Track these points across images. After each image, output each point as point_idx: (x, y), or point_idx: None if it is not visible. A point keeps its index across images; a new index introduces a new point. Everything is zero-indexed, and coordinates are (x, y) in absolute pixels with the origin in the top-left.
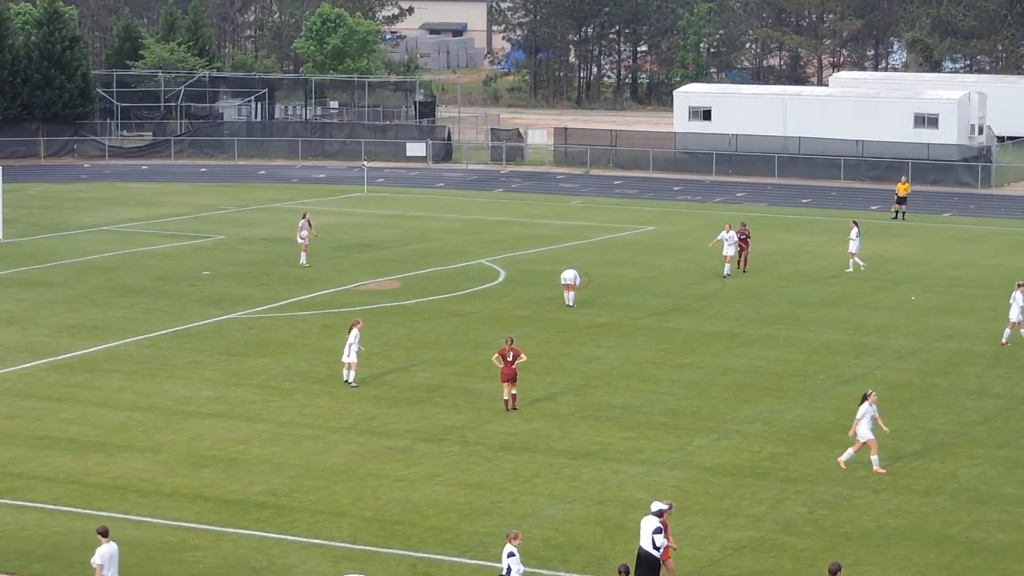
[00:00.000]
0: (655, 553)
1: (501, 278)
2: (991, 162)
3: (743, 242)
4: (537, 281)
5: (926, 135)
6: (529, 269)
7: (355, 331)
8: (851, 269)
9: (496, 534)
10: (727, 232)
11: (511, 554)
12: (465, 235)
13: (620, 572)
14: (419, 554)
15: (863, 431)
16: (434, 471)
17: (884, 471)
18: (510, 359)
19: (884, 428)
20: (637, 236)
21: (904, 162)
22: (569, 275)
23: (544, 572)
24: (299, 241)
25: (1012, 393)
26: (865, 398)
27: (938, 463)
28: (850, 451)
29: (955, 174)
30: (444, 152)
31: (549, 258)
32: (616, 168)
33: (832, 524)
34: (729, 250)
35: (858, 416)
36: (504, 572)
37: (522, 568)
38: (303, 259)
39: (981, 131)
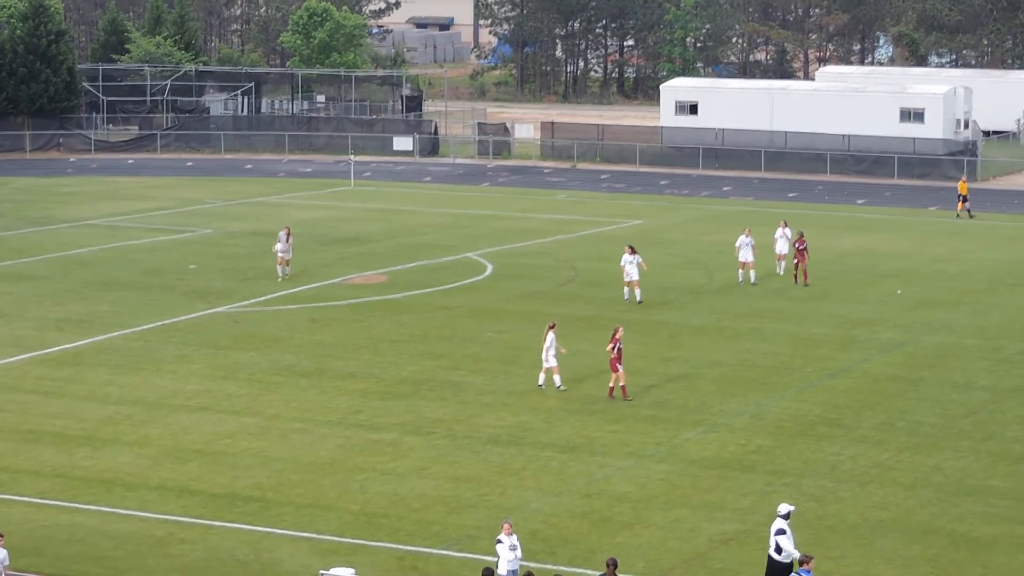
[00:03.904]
0: (776, 556)
1: (488, 272)
2: (976, 156)
3: (800, 253)
4: (524, 275)
5: (912, 129)
6: (516, 263)
7: (551, 334)
8: (782, 272)
9: (483, 527)
10: (746, 236)
11: (499, 541)
12: (452, 229)
13: (608, 565)
14: (406, 547)
15: None
16: (421, 464)
17: None
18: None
19: None
20: (624, 230)
21: (890, 156)
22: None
23: (532, 565)
24: (278, 255)
25: (997, 386)
26: None
27: (924, 456)
28: None
29: (941, 168)
30: (431, 146)
31: (536, 252)
32: (603, 162)
33: (818, 517)
34: (746, 255)
35: None
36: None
37: (514, 556)
38: (280, 272)
39: (967, 125)
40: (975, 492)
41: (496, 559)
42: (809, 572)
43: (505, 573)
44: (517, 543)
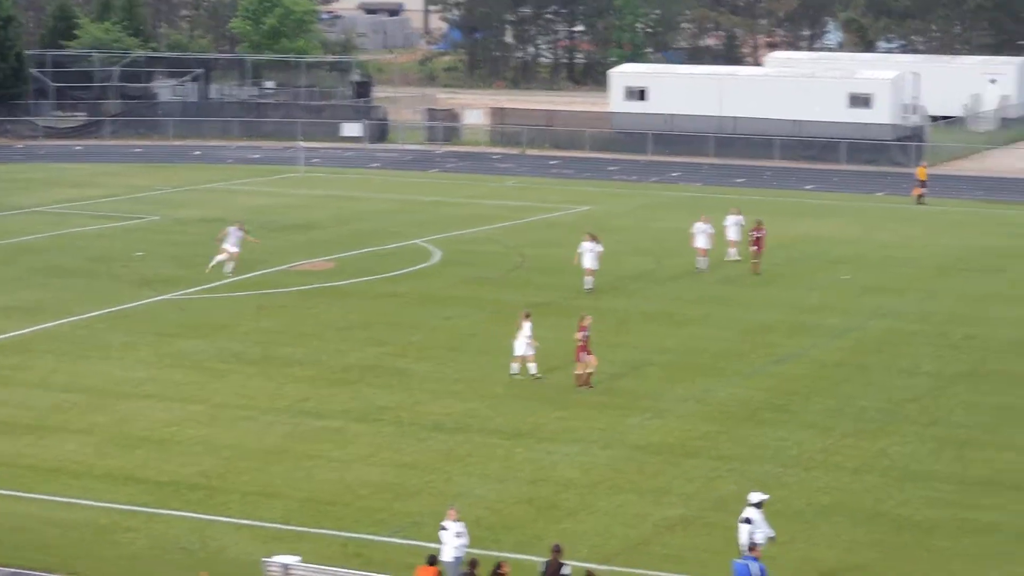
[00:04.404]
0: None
1: (436, 258)
2: (924, 142)
3: (758, 241)
4: (472, 261)
5: (860, 115)
6: (464, 249)
7: (527, 323)
8: (731, 257)
9: (428, 514)
10: (703, 223)
11: (443, 527)
12: (400, 215)
13: (553, 551)
14: (351, 534)
15: None
16: (367, 451)
17: None
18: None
19: None
20: (573, 216)
21: (839, 142)
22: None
23: (477, 551)
24: (231, 250)
25: (942, 372)
26: None
27: (869, 441)
28: None
29: (889, 154)
30: (380, 132)
31: (484, 238)
32: (552, 148)
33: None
34: (703, 242)
35: None
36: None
37: (460, 543)
38: (229, 267)
39: (915, 111)
40: (920, 477)
41: (441, 546)
42: (756, 559)
43: (450, 559)
44: (463, 529)
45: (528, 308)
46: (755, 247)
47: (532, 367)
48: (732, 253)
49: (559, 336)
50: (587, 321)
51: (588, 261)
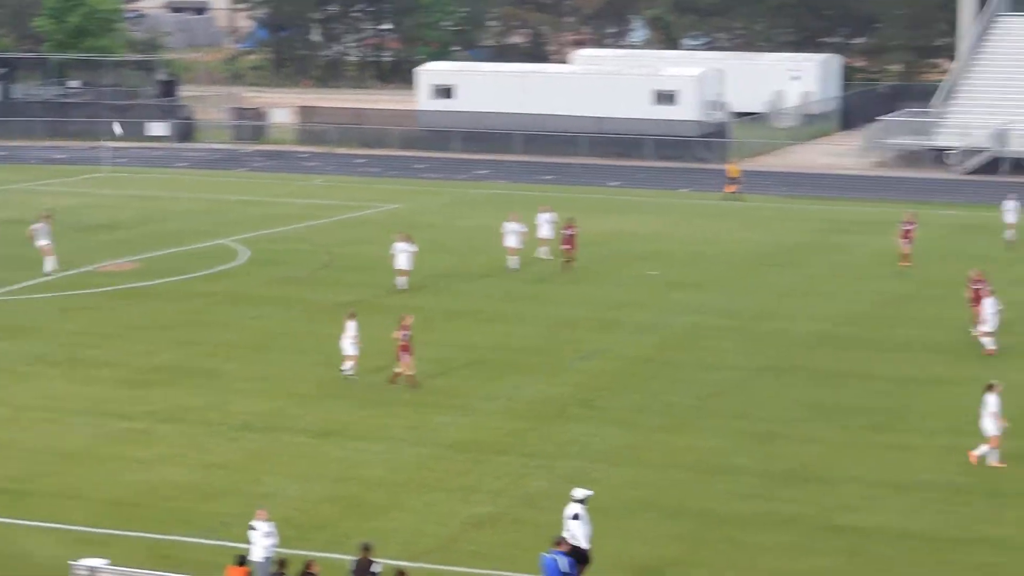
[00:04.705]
0: (572, 542)
1: (244, 258)
2: (728, 138)
3: (570, 239)
4: (280, 260)
5: (665, 111)
6: (272, 248)
7: (353, 323)
8: (543, 256)
9: (237, 514)
10: (512, 222)
11: (252, 528)
12: (208, 215)
13: (361, 550)
14: (158, 536)
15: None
16: (174, 452)
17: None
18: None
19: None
20: (380, 214)
21: (644, 138)
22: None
23: (285, 551)
24: (41, 244)
25: (747, 365)
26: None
27: (676, 436)
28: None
29: (693, 150)
30: (187, 131)
31: (292, 237)
32: (360, 146)
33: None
34: (512, 241)
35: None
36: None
37: (269, 543)
38: (48, 265)
39: (719, 108)
40: (724, 470)
41: (250, 546)
42: (563, 553)
43: (260, 560)
44: (272, 529)
45: (352, 308)
46: (567, 246)
47: (347, 365)
48: (544, 251)
49: (369, 334)
50: (408, 320)
51: (401, 261)
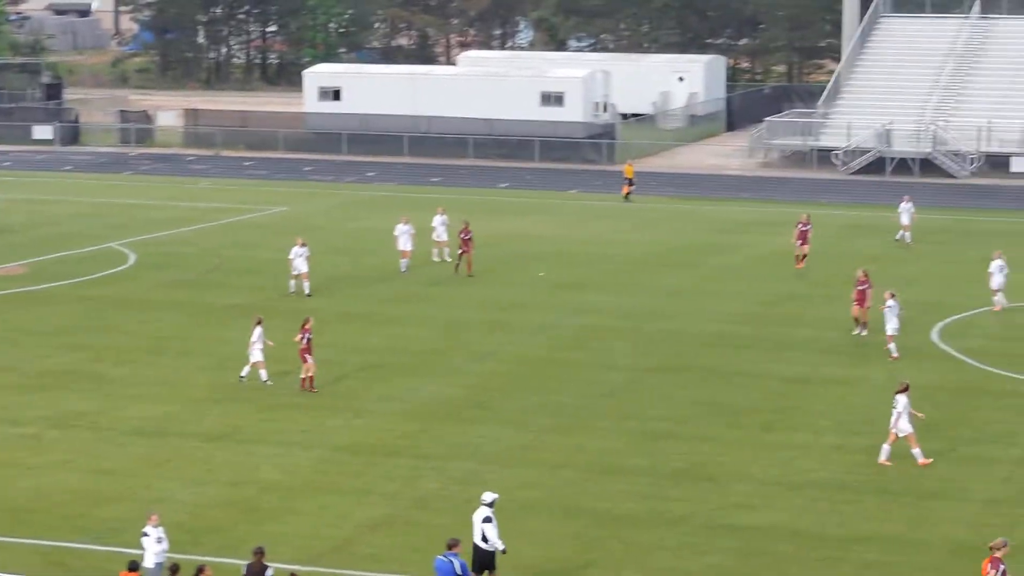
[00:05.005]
0: (484, 545)
1: (132, 261)
2: (615, 139)
3: (466, 242)
4: (168, 264)
5: (552, 113)
6: (160, 252)
7: (258, 328)
8: (438, 258)
9: (128, 519)
10: (404, 224)
11: (144, 534)
12: (94, 219)
13: (255, 554)
14: (50, 542)
15: (903, 425)
16: (65, 458)
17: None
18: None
19: (919, 415)
20: (268, 217)
21: (532, 140)
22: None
23: (178, 556)
24: None
25: (637, 366)
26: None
27: (567, 436)
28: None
29: (581, 151)
30: (72, 135)
31: (180, 240)
32: (247, 149)
33: (465, 500)
34: (405, 244)
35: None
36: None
37: (161, 548)
38: None
39: (605, 109)
40: (616, 471)
41: (143, 551)
42: (457, 555)
43: (152, 566)
44: (163, 535)
45: (259, 315)
46: (463, 249)
47: (245, 369)
48: (438, 253)
49: None
50: (310, 323)
51: (299, 265)
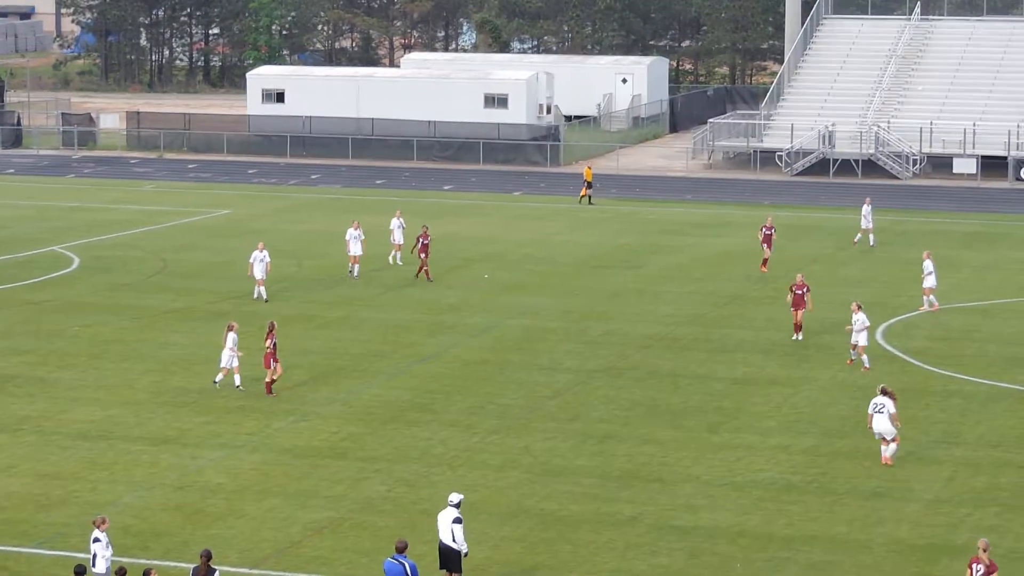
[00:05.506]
0: (454, 546)
1: (75, 265)
2: (559, 141)
3: (424, 247)
4: (112, 267)
5: (496, 115)
6: (103, 255)
7: (232, 334)
8: (395, 261)
9: (74, 524)
10: (354, 229)
11: (96, 539)
12: (37, 222)
13: (201, 557)
14: None
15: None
16: (8, 462)
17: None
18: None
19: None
20: (212, 220)
21: (475, 142)
22: None
23: (124, 560)
24: None
25: (582, 367)
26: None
27: (513, 438)
28: (892, 446)
29: (525, 153)
30: (14, 138)
31: (124, 244)
32: (190, 152)
33: (411, 501)
34: (356, 249)
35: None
36: (91, 557)
37: (109, 553)
38: None
39: (549, 111)
40: (562, 472)
41: (91, 556)
42: (406, 557)
43: (103, 571)
44: (106, 538)
45: (232, 321)
46: (422, 253)
47: (237, 379)
48: (396, 256)
49: (202, 341)
50: (275, 328)
51: (258, 271)
